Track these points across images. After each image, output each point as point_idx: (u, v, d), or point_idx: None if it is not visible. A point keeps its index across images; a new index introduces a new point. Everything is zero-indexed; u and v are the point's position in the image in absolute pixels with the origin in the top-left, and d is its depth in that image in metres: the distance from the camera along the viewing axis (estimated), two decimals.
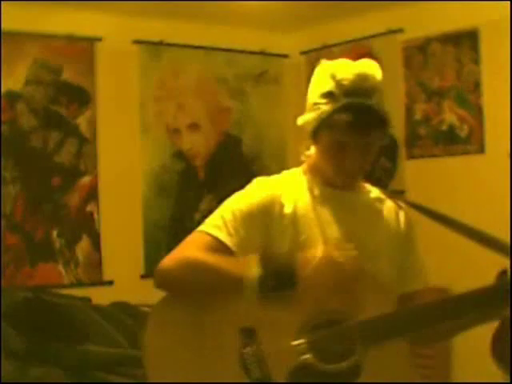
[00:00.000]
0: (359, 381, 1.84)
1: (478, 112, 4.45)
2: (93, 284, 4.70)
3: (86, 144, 4.75)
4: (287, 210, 1.97)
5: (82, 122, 4.74)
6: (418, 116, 4.77)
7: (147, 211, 4.96)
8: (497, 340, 3.35)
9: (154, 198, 5.00)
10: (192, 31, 5.09)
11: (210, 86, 5.24)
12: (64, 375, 3.67)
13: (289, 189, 2.01)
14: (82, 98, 4.74)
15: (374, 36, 4.95)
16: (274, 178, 2.06)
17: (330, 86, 1.93)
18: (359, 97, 1.90)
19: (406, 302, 2.04)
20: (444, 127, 4.63)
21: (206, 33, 5.13)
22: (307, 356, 1.85)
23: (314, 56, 5.27)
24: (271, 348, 1.85)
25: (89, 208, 4.75)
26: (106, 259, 4.76)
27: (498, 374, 3.44)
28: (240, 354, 1.86)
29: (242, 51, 5.31)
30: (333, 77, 1.93)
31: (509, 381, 3.22)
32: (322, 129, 1.94)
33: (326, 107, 1.92)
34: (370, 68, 1.96)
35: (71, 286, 4.62)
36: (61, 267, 4.63)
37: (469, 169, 4.52)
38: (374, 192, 2.10)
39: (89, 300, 4.39)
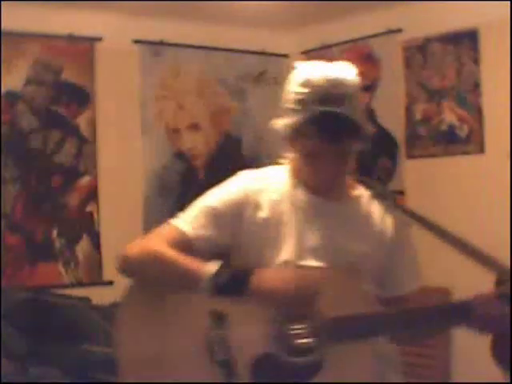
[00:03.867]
0: (318, 376, 1.88)
1: (477, 112, 4.45)
2: (93, 284, 4.70)
3: (85, 144, 4.75)
4: (263, 213, 1.99)
5: (81, 121, 4.74)
6: (417, 116, 4.77)
7: (147, 211, 4.96)
8: (497, 340, 3.35)
9: (154, 198, 5.00)
10: (192, 31, 5.09)
11: (210, 86, 5.24)
12: (64, 375, 3.68)
13: (269, 190, 2.02)
14: (81, 97, 4.74)
15: (373, 36, 4.95)
16: (258, 174, 2.08)
17: (302, 92, 1.94)
18: (331, 104, 1.89)
19: (399, 304, 2.05)
20: (444, 127, 4.63)
21: (206, 33, 5.13)
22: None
23: (314, 56, 5.27)
24: (239, 334, 1.88)
25: (89, 208, 4.75)
26: (106, 259, 4.76)
27: (498, 374, 3.44)
28: (207, 335, 1.90)
29: (242, 51, 5.31)
30: (305, 83, 1.94)
31: (509, 381, 3.23)
32: (295, 137, 1.96)
33: (297, 115, 1.93)
34: (345, 73, 1.95)
35: (71, 286, 4.63)
36: (61, 267, 4.63)
37: (468, 169, 4.52)
38: (363, 195, 2.07)
39: (89, 300, 4.39)
